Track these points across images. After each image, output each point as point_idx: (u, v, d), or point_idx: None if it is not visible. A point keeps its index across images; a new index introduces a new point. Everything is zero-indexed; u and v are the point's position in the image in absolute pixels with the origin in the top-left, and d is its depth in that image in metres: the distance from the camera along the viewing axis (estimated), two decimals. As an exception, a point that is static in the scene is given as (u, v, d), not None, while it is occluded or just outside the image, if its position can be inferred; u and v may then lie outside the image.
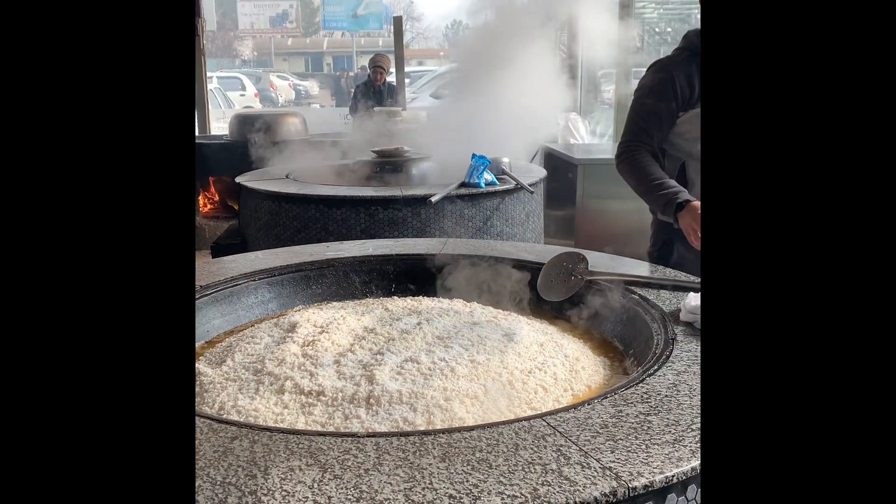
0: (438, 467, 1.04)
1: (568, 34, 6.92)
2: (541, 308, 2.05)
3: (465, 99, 4.44)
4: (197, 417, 1.21)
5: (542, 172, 4.05)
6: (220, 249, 3.89)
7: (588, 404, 1.24)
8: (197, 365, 1.68)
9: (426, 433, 1.15)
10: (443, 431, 1.15)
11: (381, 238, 3.28)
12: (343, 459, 1.06)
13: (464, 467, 1.03)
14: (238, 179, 3.96)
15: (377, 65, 7.18)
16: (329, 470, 1.04)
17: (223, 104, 13.84)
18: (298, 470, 1.04)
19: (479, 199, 3.52)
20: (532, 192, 3.67)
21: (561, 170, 4.84)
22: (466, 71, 4.55)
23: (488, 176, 3.59)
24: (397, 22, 7.72)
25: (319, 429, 1.34)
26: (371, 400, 1.40)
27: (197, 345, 1.86)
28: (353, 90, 8.23)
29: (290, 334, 1.73)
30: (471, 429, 1.16)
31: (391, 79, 7.38)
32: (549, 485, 0.98)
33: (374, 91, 7.05)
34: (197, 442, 1.13)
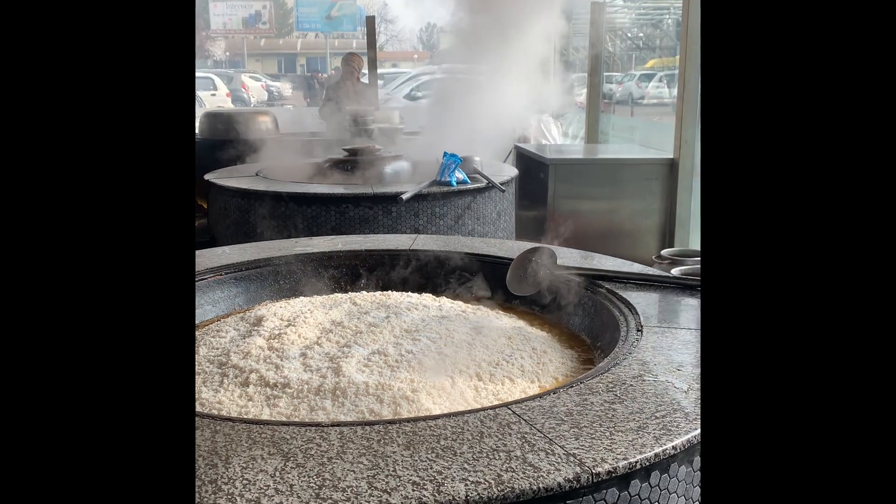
0: (403, 455, 1.03)
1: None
2: (509, 303, 2.05)
3: (449, 98, 4.45)
4: (158, 409, 1.19)
5: (514, 171, 4.06)
6: (188, 247, 3.83)
7: (553, 393, 1.24)
8: (160, 359, 1.65)
9: (391, 422, 1.14)
10: (408, 420, 1.14)
11: (351, 235, 3.26)
12: (306, 448, 1.05)
13: (428, 455, 1.03)
14: (207, 177, 3.91)
15: (349, 65, 7.12)
16: (292, 458, 1.02)
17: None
18: (260, 459, 1.02)
19: (451, 198, 3.52)
20: (504, 191, 3.68)
21: (532, 170, 4.86)
22: (451, 69, 4.55)
23: (460, 174, 3.59)
24: (370, 22, 7.69)
25: (284, 420, 1.32)
26: (337, 392, 1.38)
27: (161, 339, 1.83)
28: (324, 91, 8.12)
29: (256, 328, 1.71)
30: (436, 417, 1.15)
31: (364, 80, 7.31)
32: (514, 471, 0.98)
33: (345, 89, 6.97)
34: (157, 433, 1.11)
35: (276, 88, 24.04)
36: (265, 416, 1.34)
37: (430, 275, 2.20)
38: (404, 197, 3.26)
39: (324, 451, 1.04)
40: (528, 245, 2.14)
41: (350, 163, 4.10)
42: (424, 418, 1.16)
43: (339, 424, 1.14)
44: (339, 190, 3.46)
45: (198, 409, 1.37)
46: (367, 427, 1.12)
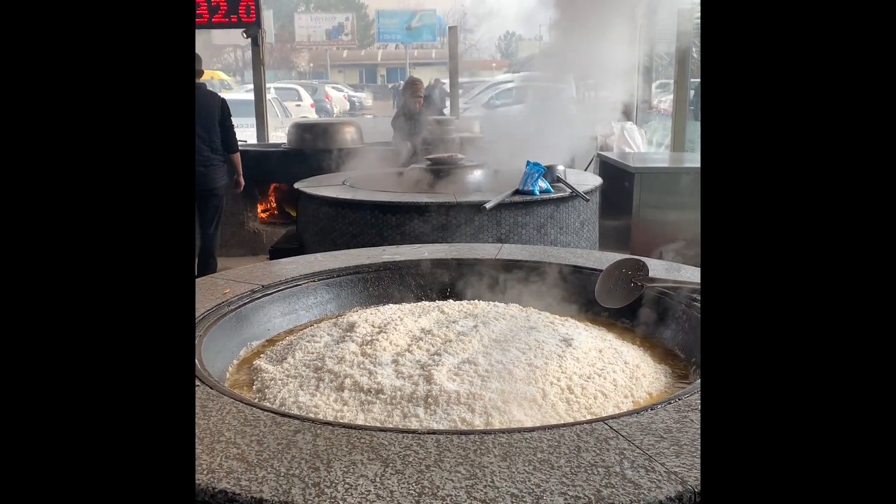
0: (500, 466, 1.03)
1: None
2: (598, 314, 2.03)
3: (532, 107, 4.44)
4: (259, 411, 1.24)
5: (598, 180, 4.02)
6: (277, 253, 3.96)
7: (651, 409, 1.21)
8: (258, 362, 1.72)
9: (486, 432, 1.14)
10: (503, 431, 1.14)
11: (436, 244, 3.29)
12: (404, 455, 1.07)
13: (525, 467, 1.03)
14: (297, 185, 4.04)
15: (415, 94, 6.79)
16: (391, 465, 1.04)
17: (280, 114, 14.15)
18: (360, 464, 1.05)
19: (534, 207, 3.51)
20: (587, 200, 3.64)
21: (616, 178, 4.78)
22: (530, 78, 4.55)
23: (543, 183, 3.57)
24: (453, 32, 7.78)
25: (379, 426, 1.35)
26: (429, 399, 1.40)
27: (258, 342, 1.90)
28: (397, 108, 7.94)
29: (348, 334, 1.76)
30: (531, 430, 1.15)
31: (426, 102, 6.95)
32: (613, 487, 0.97)
33: (411, 117, 6.81)
34: (260, 434, 1.15)
35: (358, 99, 24.58)
36: (360, 421, 1.37)
37: (516, 284, 2.19)
38: (487, 206, 3.27)
39: (421, 459, 1.06)
40: (618, 256, 2.10)
41: (433, 172, 4.16)
42: (519, 430, 1.16)
43: (434, 432, 1.15)
44: (422, 199, 3.51)
45: (295, 412, 1.41)
46: (463, 436, 1.13)
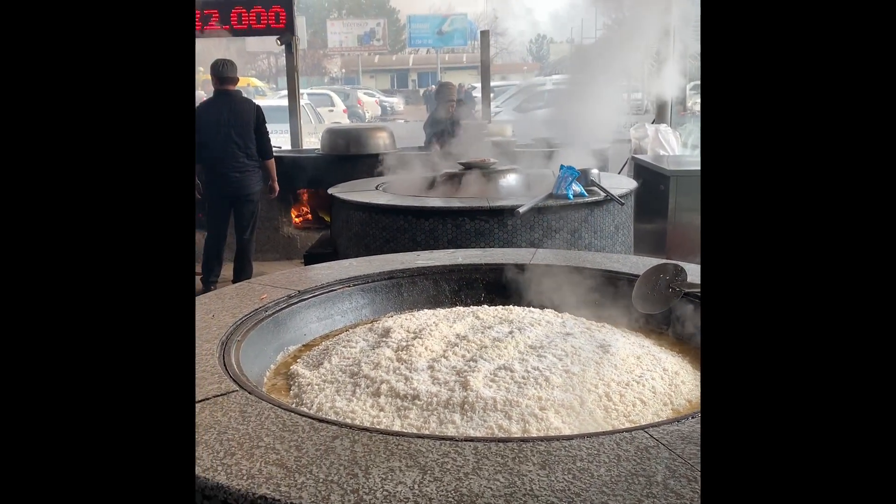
0: (539, 474, 1.02)
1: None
2: (635, 320, 2.00)
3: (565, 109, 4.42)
4: (298, 416, 1.25)
5: (633, 184, 3.97)
6: (312, 258, 4.01)
7: (692, 418, 1.19)
8: (295, 367, 1.73)
9: (524, 440, 1.14)
10: (541, 439, 1.13)
11: (469, 248, 3.29)
12: (442, 462, 1.07)
13: (564, 476, 1.02)
14: (330, 191, 4.07)
15: (448, 99, 6.76)
16: (429, 472, 1.04)
17: (314, 119, 14.30)
18: (399, 471, 1.05)
19: (567, 211, 3.49)
20: (623, 204, 3.60)
21: (651, 182, 4.72)
22: (574, 81, 4.53)
23: (577, 187, 3.55)
24: (485, 37, 7.78)
25: (415, 432, 1.35)
26: (465, 406, 1.40)
27: (294, 347, 1.92)
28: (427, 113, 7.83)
29: (384, 339, 1.76)
30: (570, 438, 1.14)
31: (458, 106, 6.89)
32: (655, 497, 0.95)
33: (443, 122, 6.78)
34: (299, 440, 1.16)
35: (390, 104, 24.73)
36: (396, 427, 1.37)
37: (551, 289, 2.18)
38: (521, 210, 3.26)
39: (459, 466, 1.05)
40: (655, 261, 2.08)
41: (465, 176, 4.15)
42: (557, 438, 1.15)
43: (472, 440, 1.15)
44: (455, 204, 3.50)
45: (332, 417, 1.42)
46: (501, 444, 1.12)
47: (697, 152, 7.42)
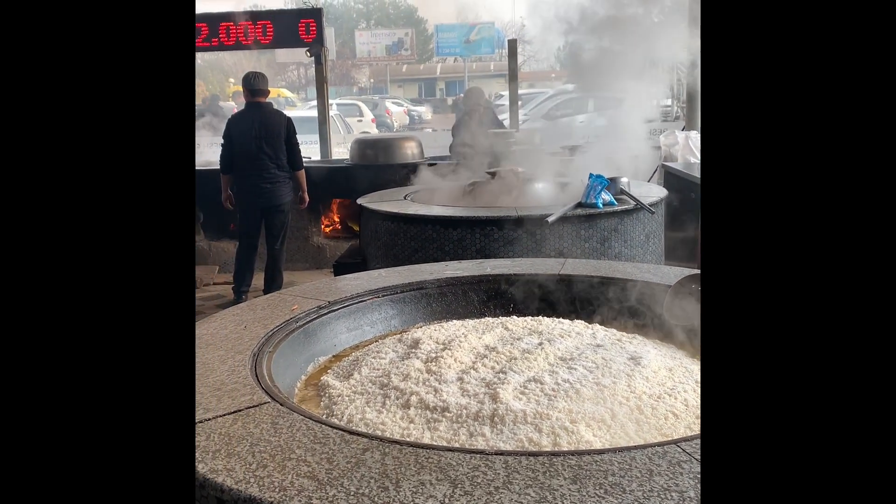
0: (570, 489, 1.01)
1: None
2: (667, 332, 1.98)
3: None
4: (329, 428, 1.26)
5: (663, 192, 3.94)
6: (341, 268, 4.03)
7: (726, 432, 1.17)
8: (325, 378, 1.75)
9: (555, 454, 1.13)
10: (572, 453, 1.12)
11: (497, 258, 3.29)
12: (472, 476, 1.07)
13: (596, 490, 1.01)
14: (359, 201, 4.10)
15: (477, 104, 6.72)
16: (459, 486, 1.04)
17: (342, 130, 14.44)
18: (429, 484, 1.05)
19: (597, 220, 3.47)
20: (653, 213, 3.57)
21: (683, 190, 4.67)
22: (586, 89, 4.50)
23: (606, 196, 3.52)
24: (512, 45, 7.78)
25: (445, 444, 1.35)
26: (495, 418, 1.39)
27: (325, 358, 1.93)
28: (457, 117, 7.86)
29: (413, 350, 1.77)
30: (601, 452, 1.13)
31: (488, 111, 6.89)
32: (689, 514, 0.94)
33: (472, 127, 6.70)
34: (330, 452, 1.16)
35: (418, 113, 24.84)
36: (427, 440, 1.37)
37: (581, 300, 2.17)
38: (550, 220, 3.25)
39: (490, 480, 1.05)
40: (687, 271, 2.05)
41: (493, 184, 4.15)
42: (589, 452, 1.14)
43: (502, 453, 1.14)
44: (482, 213, 3.50)
45: (363, 429, 1.43)
46: (532, 458, 1.11)
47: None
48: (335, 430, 1.25)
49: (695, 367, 1.66)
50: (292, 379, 1.76)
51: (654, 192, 3.89)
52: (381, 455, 1.15)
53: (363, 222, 4.13)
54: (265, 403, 1.38)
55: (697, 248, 4.38)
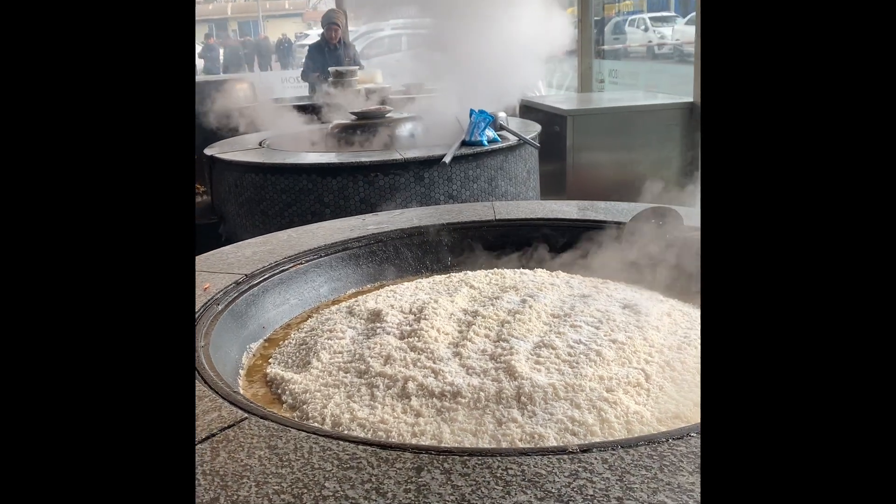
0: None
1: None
2: (618, 272, 1.84)
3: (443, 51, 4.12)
4: (350, 444, 0.97)
5: (537, 126, 3.84)
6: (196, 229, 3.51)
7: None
8: (272, 370, 1.42)
9: (651, 440, 0.94)
10: (677, 436, 0.94)
11: (385, 207, 3.00)
12: (580, 487, 0.85)
13: (735, 481, 0.84)
14: (207, 151, 3.57)
15: (331, 21, 6.57)
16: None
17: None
18: (534, 506, 0.82)
19: (484, 158, 3.29)
20: (538, 147, 3.47)
21: (545, 123, 4.62)
22: (441, 23, 4.21)
23: (490, 133, 3.35)
24: (337, -24, 7.24)
25: (471, 438, 1.11)
26: (522, 398, 1.18)
27: (256, 344, 1.58)
28: (305, 52, 7.53)
29: (377, 325, 1.49)
30: (695, 429, 0.96)
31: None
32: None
33: (329, 50, 6.49)
34: (374, 480, 0.89)
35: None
36: (447, 434, 1.13)
37: (523, 246, 1.99)
38: (446, 160, 3.02)
39: (604, 490, 0.84)
40: (641, 206, 1.94)
41: (361, 127, 3.82)
42: (686, 431, 0.96)
43: (588, 448, 0.93)
44: (365, 158, 3.18)
45: (358, 431, 1.15)
46: (629, 449, 0.92)
47: (563, 91, 7.50)
48: (361, 447, 0.96)
49: (687, 308, 1.56)
50: (232, 376, 1.40)
51: (530, 128, 3.79)
52: (443, 473, 0.89)
53: (216, 176, 3.62)
54: (243, 420, 1.05)
55: (566, 181, 4.40)
